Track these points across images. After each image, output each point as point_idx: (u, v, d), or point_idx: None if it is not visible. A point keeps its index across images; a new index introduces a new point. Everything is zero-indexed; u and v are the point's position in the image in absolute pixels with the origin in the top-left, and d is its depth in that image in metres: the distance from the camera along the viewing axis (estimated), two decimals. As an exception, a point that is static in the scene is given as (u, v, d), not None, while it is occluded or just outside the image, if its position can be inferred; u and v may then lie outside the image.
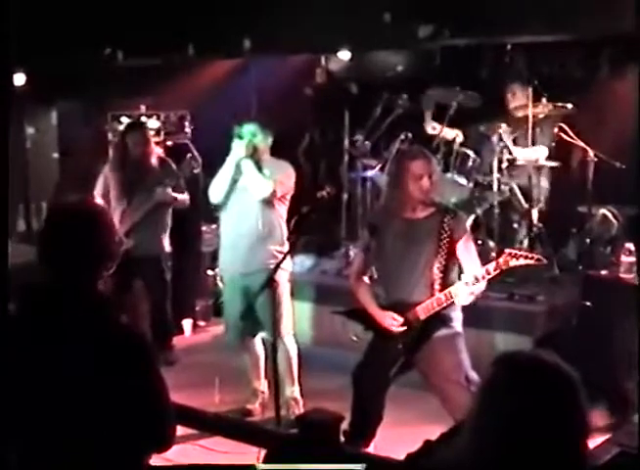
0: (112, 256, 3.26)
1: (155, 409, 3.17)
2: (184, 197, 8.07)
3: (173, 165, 8.05)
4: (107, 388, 3.03)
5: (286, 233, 6.84)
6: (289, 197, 6.82)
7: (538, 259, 5.41)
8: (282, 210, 6.78)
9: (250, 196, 6.67)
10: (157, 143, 9.03)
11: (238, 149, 6.66)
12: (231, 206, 6.81)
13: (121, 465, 3.14)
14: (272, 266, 6.11)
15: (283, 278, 6.67)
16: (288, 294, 6.85)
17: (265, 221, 6.67)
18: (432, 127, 8.85)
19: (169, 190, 7.89)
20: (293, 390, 6.88)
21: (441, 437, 2.80)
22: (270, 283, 5.74)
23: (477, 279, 5.35)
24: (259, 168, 6.66)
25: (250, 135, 6.66)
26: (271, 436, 3.90)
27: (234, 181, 6.74)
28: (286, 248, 6.67)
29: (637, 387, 6.06)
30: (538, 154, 8.42)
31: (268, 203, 6.66)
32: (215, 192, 6.82)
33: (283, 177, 6.72)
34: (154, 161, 7.92)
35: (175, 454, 5.67)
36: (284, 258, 6.10)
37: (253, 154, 6.67)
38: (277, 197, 6.68)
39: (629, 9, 6.74)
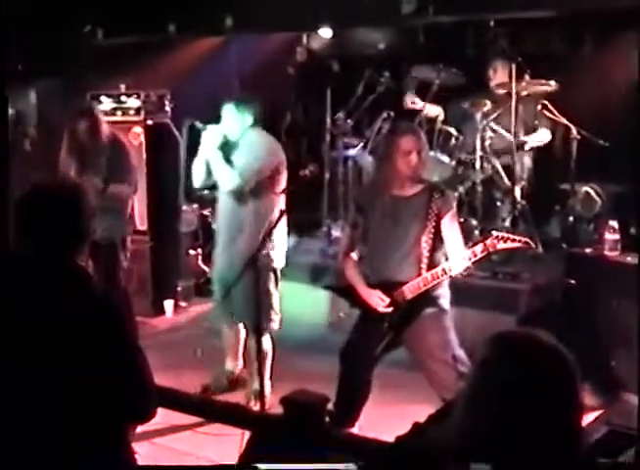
0: (85, 236, 3.30)
1: (133, 379, 3.16)
2: (117, 188, 7.43)
3: (123, 153, 7.64)
4: (84, 358, 3.04)
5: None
6: (280, 179, 6.53)
7: (526, 243, 5.39)
8: (272, 198, 6.50)
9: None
10: (137, 122, 8.97)
11: (204, 139, 6.49)
12: (220, 195, 6.69)
13: (103, 436, 3.13)
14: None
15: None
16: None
17: (251, 210, 6.46)
18: (411, 102, 8.78)
19: (97, 179, 7.27)
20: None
21: (430, 418, 2.77)
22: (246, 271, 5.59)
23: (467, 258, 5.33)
24: (228, 160, 6.44)
25: (224, 120, 6.47)
26: (256, 418, 3.86)
27: (209, 170, 6.56)
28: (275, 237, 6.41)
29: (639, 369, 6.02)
30: (544, 137, 8.47)
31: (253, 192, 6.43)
32: (194, 177, 6.71)
33: (260, 164, 6.42)
34: (104, 147, 7.52)
35: (162, 438, 5.75)
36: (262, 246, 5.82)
37: (224, 144, 6.46)
38: (251, 187, 6.41)
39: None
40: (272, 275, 6.58)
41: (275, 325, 6.64)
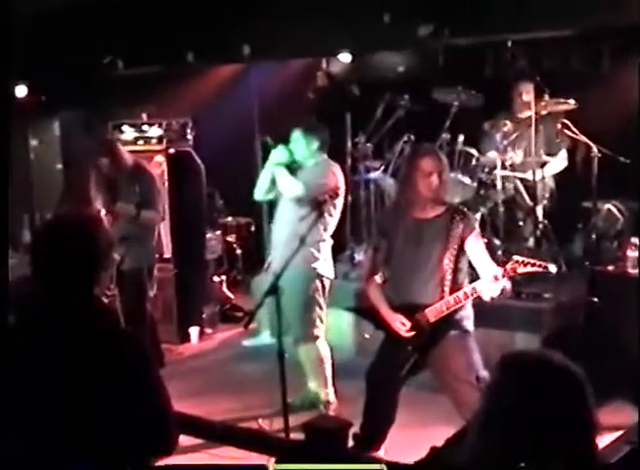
0: (105, 267, 3.27)
1: (155, 414, 3.16)
2: (148, 214, 7.56)
3: (149, 181, 7.72)
4: (107, 394, 3.04)
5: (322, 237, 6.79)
6: (337, 204, 6.80)
7: (545, 267, 5.38)
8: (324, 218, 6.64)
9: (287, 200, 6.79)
10: (159, 151, 9.01)
11: (273, 156, 6.84)
12: (280, 202, 6.95)
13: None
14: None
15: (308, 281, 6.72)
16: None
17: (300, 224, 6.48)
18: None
19: (130, 206, 7.45)
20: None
21: (447, 442, 2.77)
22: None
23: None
24: (293, 173, 6.77)
25: (293, 142, 6.82)
26: (278, 443, 3.86)
27: (273, 184, 6.89)
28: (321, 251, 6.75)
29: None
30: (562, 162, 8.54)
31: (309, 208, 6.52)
32: (257, 188, 7.06)
33: (321, 182, 6.66)
34: (129, 176, 7.60)
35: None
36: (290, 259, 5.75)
37: (291, 163, 6.80)
38: (312, 198, 6.51)
39: (630, 1, 6.73)
40: (319, 283, 6.78)
41: (319, 332, 6.80)
